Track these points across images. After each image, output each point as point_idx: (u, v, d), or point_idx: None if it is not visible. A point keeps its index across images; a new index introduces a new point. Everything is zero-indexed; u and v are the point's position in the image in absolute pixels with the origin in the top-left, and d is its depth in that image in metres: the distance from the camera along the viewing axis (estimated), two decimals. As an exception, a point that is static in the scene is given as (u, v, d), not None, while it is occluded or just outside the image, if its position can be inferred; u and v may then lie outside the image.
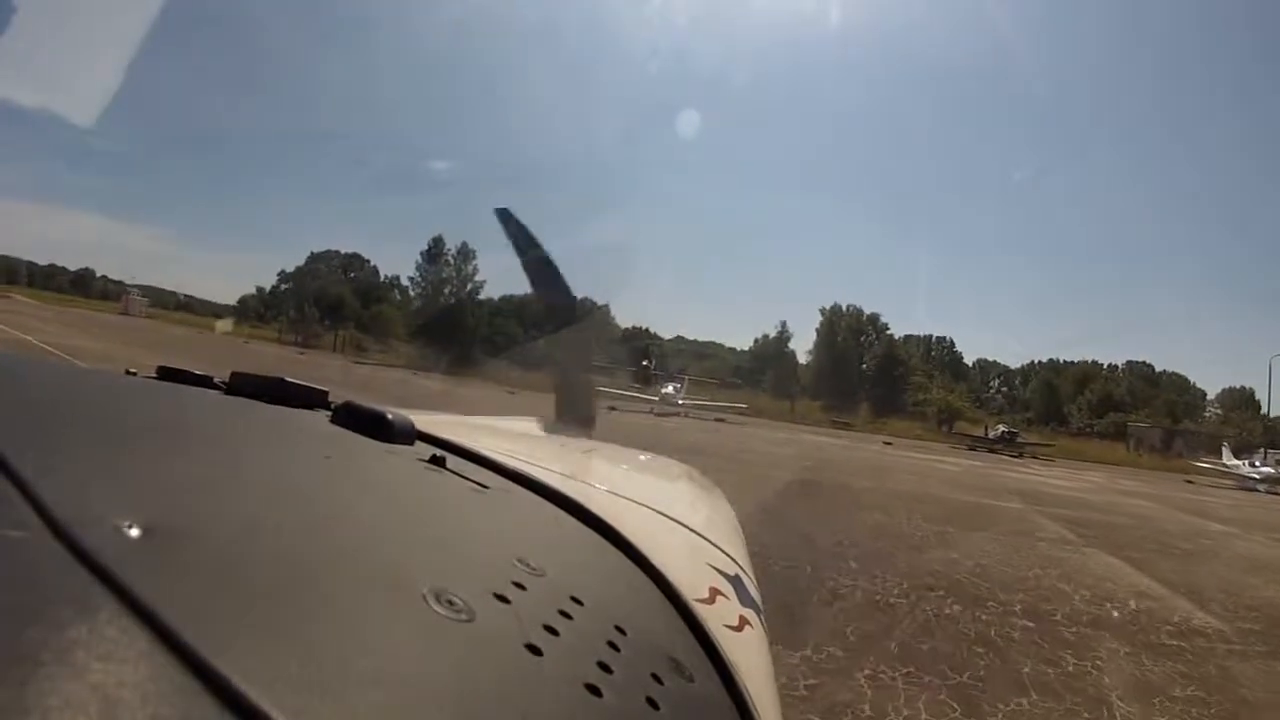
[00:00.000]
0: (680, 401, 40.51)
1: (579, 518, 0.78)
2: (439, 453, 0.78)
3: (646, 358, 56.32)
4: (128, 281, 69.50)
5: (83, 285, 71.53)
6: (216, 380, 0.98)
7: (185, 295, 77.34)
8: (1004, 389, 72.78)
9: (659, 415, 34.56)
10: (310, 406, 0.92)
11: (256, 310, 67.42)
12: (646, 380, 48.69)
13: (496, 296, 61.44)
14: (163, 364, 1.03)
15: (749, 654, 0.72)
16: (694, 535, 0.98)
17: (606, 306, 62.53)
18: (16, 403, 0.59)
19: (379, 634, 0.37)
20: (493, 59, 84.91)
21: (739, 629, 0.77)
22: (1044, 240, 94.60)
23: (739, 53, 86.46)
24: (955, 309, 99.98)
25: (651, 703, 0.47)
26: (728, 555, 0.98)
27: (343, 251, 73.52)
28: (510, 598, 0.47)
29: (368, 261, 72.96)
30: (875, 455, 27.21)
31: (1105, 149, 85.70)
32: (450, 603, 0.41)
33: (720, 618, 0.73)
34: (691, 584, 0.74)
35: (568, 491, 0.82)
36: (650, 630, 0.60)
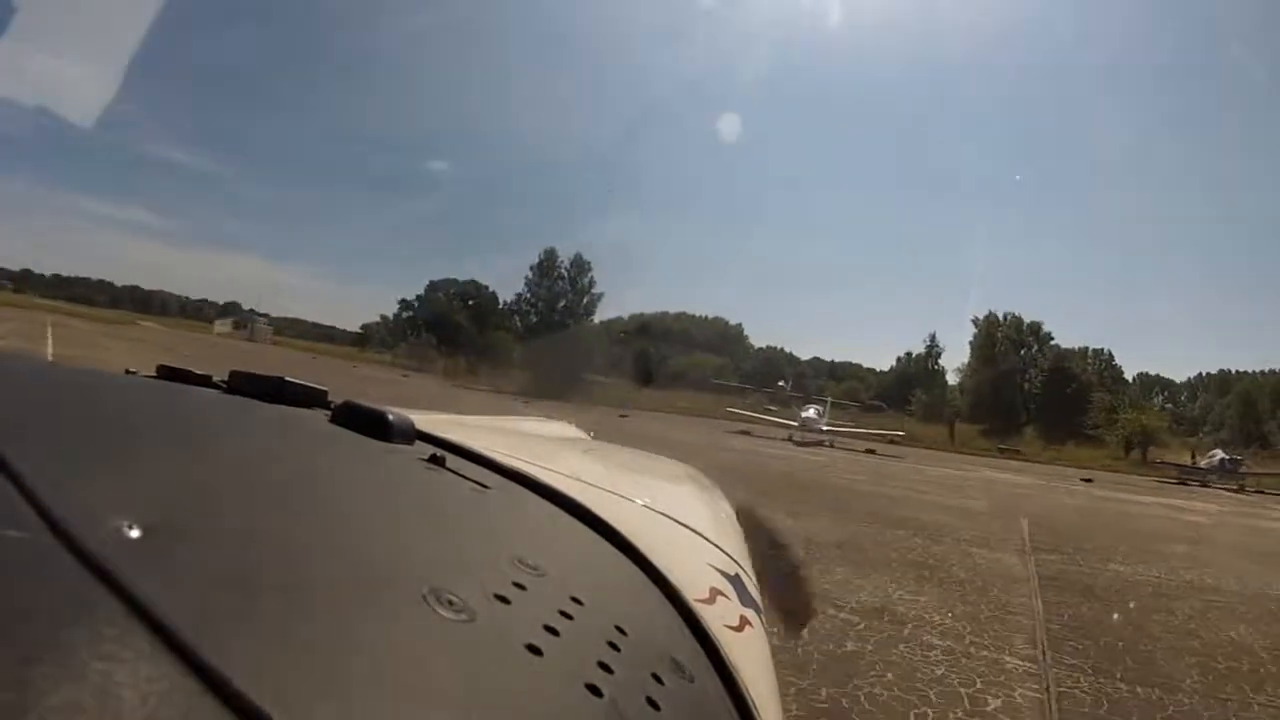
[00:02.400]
0: (823, 427, 34.69)
1: (579, 518, 0.77)
2: (439, 452, 0.77)
3: (782, 378, 51.11)
4: (256, 311, 73.97)
5: (228, 316, 75.31)
6: (216, 380, 0.98)
7: (323, 324, 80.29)
8: (1169, 405, 61.60)
9: (799, 443, 29.87)
10: (310, 406, 0.91)
11: (379, 337, 69.35)
12: (783, 402, 43.31)
13: (626, 315, 58.74)
14: (162, 364, 1.03)
15: (749, 654, 0.73)
16: (694, 535, 0.97)
17: (740, 325, 57.71)
18: (16, 403, 0.58)
19: (379, 634, 0.36)
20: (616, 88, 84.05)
21: (739, 629, 0.77)
22: (1206, 237, 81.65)
23: (862, 54, 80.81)
24: (1111, 317, 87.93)
25: (652, 703, 0.47)
26: (728, 555, 0.97)
27: (460, 279, 75.16)
28: (510, 598, 0.47)
29: (485, 288, 73.68)
30: (1096, 504, 20.69)
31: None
32: (450, 603, 0.41)
33: (720, 618, 0.73)
34: (692, 584, 0.74)
35: (568, 491, 0.82)
36: (650, 630, 0.61)
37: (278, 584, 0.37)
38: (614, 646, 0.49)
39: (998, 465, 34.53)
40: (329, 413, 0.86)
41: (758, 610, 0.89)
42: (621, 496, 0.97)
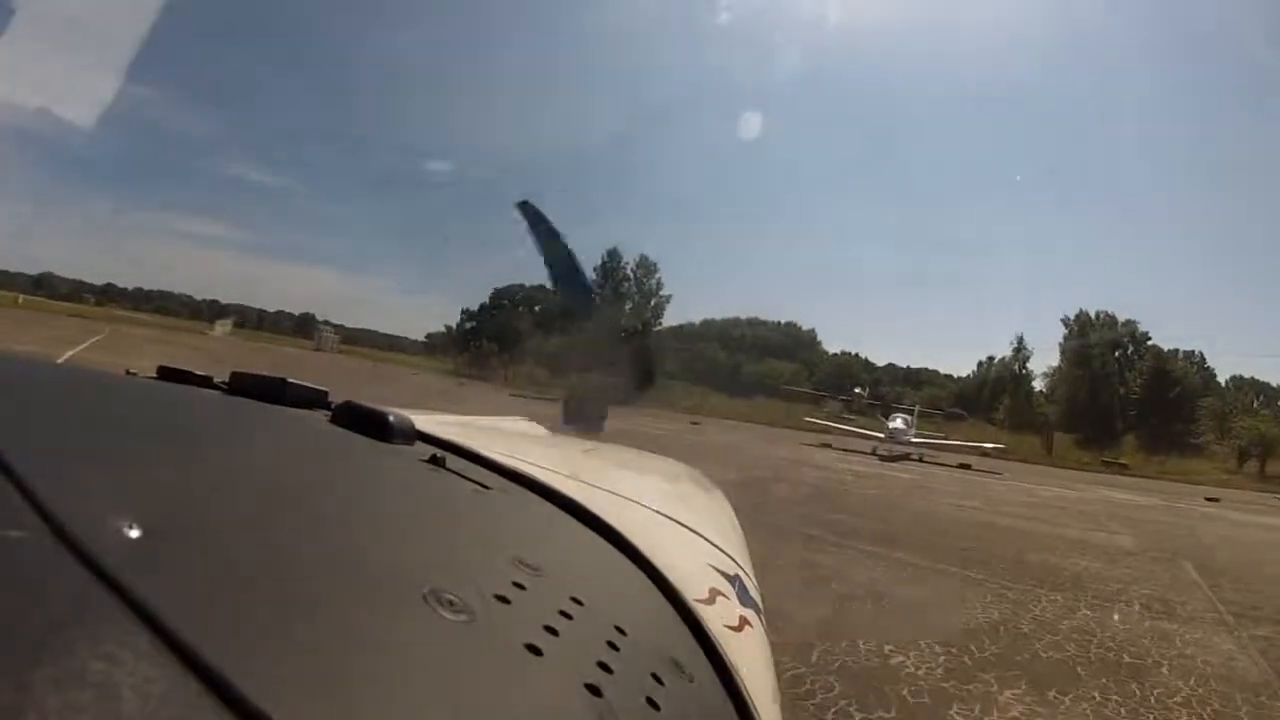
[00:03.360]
0: (911, 438, 30.57)
1: (579, 518, 0.78)
2: (439, 453, 0.78)
3: (858, 384, 48.35)
4: (328, 322, 74.64)
5: (303, 327, 77.35)
6: (217, 381, 0.98)
7: (395, 334, 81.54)
8: (1266, 410, 54.75)
9: (884, 458, 26.86)
10: (310, 407, 0.91)
11: (443, 346, 69.30)
12: (860, 410, 40.57)
13: (698, 320, 55.61)
14: (164, 365, 1.03)
15: (749, 654, 0.73)
16: (694, 535, 0.97)
17: (813, 331, 55.32)
18: (16, 403, 0.59)
19: (379, 634, 0.37)
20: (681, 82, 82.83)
21: (739, 629, 0.77)
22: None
23: (935, 47, 77.36)
24: (1195, 314, 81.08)
25: (652, 703, 0.47)
26: (728, 555, 0.97)
27: (527, 285, 73.54)
28: (510, 598, 0.47)
29: (553, 292, 71.26)
30: (1256, 535, 17.21)
31: None
32: (450, 603, 0.41)
33: (720, 618, 0.73)
34: (692, 584, 0.75)
35: (568, 491, 0.82)
36: (650, 630, 0.61)
37: (278, 584, 0.37)
38: (614, 646, 0.49)
39: (1107, 482, 30.96)
40: (329, 413, 0.86)
41: (758, 610, 0.89)
42: (621, 496, 0.97)
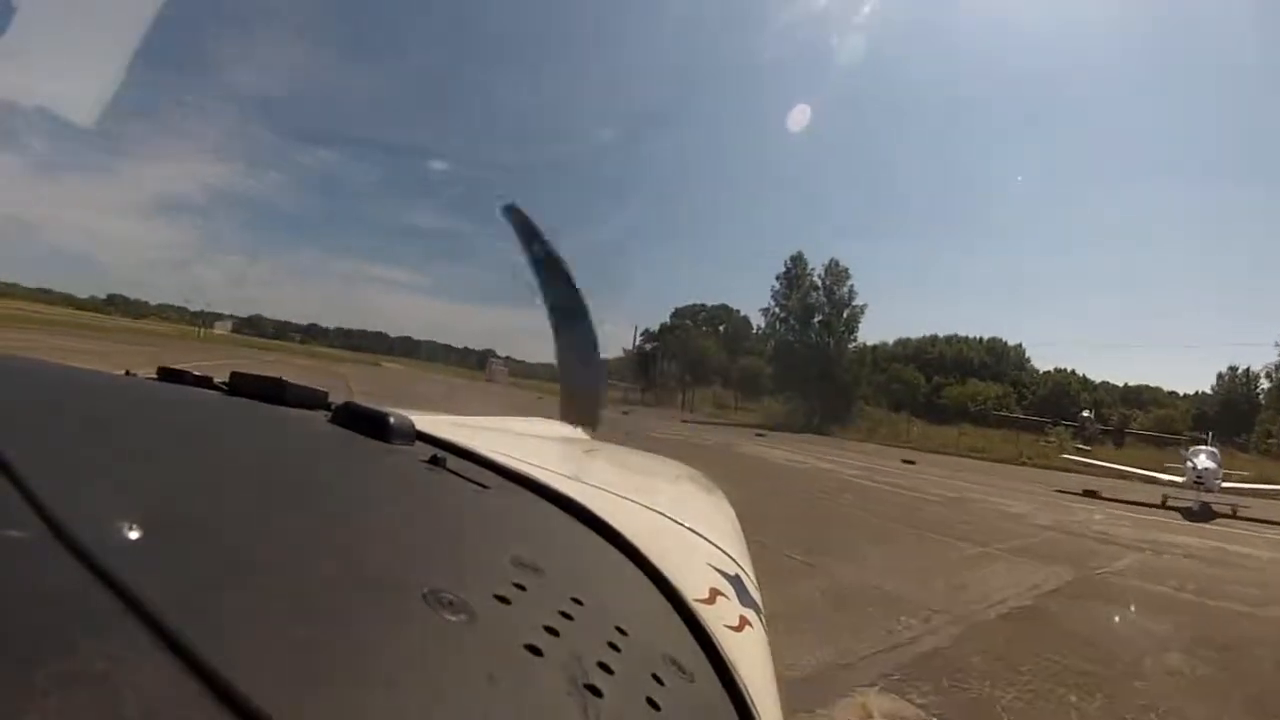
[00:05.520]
0: (1219, 483, 19.79)
1: (579, 518, 0.78)
2: (439, 453, 0.78)
3: (1083, 406, 41.15)
4: (495, 354, 76.55)
5: (483, 362, 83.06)
6: (217, 381, 0.98)
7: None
8: None
9: (1194, 515, 17.82)
10: (310, 407, 0.91)
11: (617, 371, 66.35)
12: (1091, 439, 34.61)
13: (891, 340, 48.59)
14: (163, 365, 1.03)
15: (749, 654, 0.72)
16: (694, 535, 0.97)
17: (1020, 346, 49.64)
18: (16, 403, 0.59)
19: (379, 635, 0.36)
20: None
21: (739, 629, 0.77)
22: None
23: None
24: None
25: (652, 703, 0.47)
26: (728, 555, 0.97)
27: (709, 304, 70.57)
28: (510, 598, 0.47)
29: (736, 311, 68.00)
30: None
31: None
32: (450, 603, 0.41)
33: (720, 618, 0.73)
34: (692, 584, 0.74)
35: (568, 491, 0.82)
36: (650, 630, 0.61)
37: (278, 584, 0.37)
38: (614, 647, 0.49)
39: None
40: (329, 414, 0.86)
41: (758, 610, 0.89)
42: (621, 496, 0.96)
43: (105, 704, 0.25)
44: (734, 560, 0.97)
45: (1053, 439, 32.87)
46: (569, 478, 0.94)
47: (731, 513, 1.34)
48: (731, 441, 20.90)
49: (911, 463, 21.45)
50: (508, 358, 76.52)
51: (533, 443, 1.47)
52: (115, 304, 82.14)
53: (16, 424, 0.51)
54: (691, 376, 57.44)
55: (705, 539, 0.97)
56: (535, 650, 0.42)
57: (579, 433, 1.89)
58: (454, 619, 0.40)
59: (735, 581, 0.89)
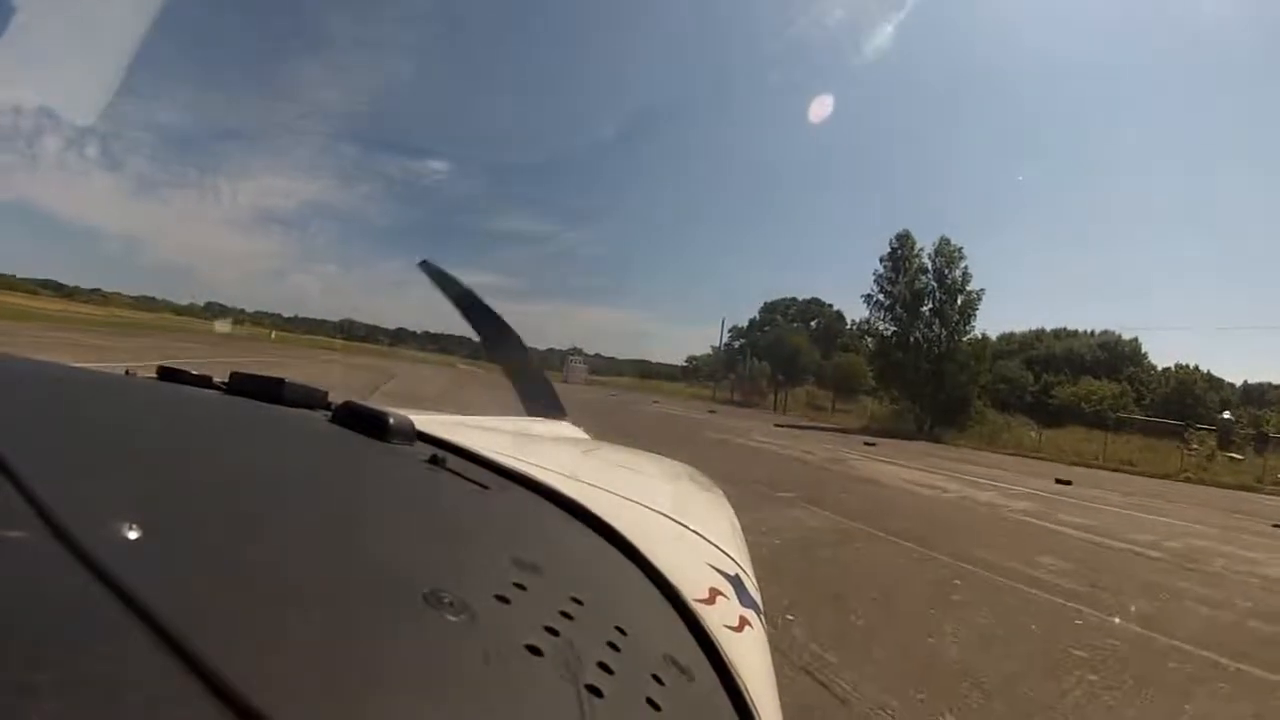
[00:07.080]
0: None
1: (579, 518, 0.78)
2: (439, 453, 0.78)
3: (1224, 408, 35.45)
4: (569, 351, 75.41)
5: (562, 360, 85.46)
6: (216, 381, 0.99)
7: (668, 363, 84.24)
8: None
9: None
10: (310, 407, 0.92)
11: (707, 369, 65.52)
12: (1235, 446, 31.23)
13: (995, 334, 41.72)
14: (162, 364, 1.03)
15: (749, 654, 0.72)
16: (694, 535, 0.96)
17: (1136, 340, 45.33)
18: (16, 403, 0.59)
19: (379, 634, 0.37)
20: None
21: (739, 629, 0.77)
22: None
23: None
24: None
25: (652, 703, 0.46)
26: (728, 555, 0.97)
27: (800, 298, 67.74)
28: (510, 598, 0.47)
29: (829, 305, 64.42)
30: None
31: None
32: (450, 603, 0.41)
33: (720, 618, 0.73)
34: (691, 584, 0.74)
35: (568, 491, 0.82)
36: (650, 630, 0.61)
37: (277, 584, 0.37)
38: (614, 647, 0.49)
39: None
40: (329, 413, 0.87)
41: (758, 610, 0.89)
42: (621, 496, 0.97)
43: (105, 704, 0.25)
44: (734, 560, 0.96)
45: (1195, 446, 29.46)
46: (569, 477, 0.94)
47: (731, 512, 1.32)
48: (840, 454, 17.20)
49: (1067, 483, 15.86)
50: (596, 354, 76.79)
51: (533, 442, 1.48)
52: (211, 310, 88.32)
53: (16, 424, 0.50)
54: (784, 375, 54.05)
55: (705, 538, 0.96)
56: (535, 650, 0.42)
57: (579, 432, 1.87)
58: (454, 619, 0.40)
59: (735, 581, 0.87)
